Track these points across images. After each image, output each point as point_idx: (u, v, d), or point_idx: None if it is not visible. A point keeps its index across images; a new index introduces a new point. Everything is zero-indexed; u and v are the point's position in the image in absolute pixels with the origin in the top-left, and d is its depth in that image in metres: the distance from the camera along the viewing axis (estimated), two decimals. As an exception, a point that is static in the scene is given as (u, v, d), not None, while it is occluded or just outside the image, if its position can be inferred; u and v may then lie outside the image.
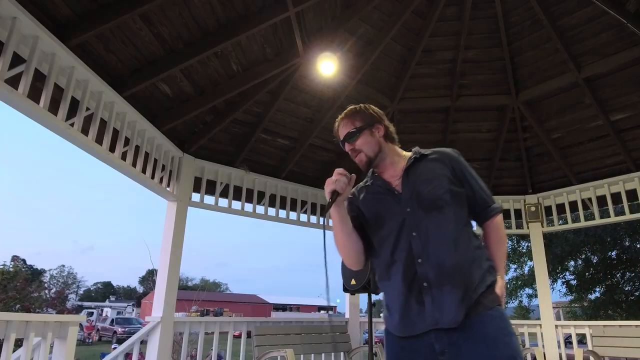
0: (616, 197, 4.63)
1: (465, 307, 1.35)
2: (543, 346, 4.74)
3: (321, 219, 5.30)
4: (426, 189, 1.51)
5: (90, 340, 23.65)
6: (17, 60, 2.38)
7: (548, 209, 5.21)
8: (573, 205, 5.01)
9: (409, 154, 1.65)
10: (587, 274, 17.58)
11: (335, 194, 1.49)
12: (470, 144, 5.13)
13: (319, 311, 48.59)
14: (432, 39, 4.28)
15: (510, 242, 16.30)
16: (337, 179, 1.51)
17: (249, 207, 4.67)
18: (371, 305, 3.94)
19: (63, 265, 62.97)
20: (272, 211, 4.87)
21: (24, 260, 31.36)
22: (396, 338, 1.50)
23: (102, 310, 34.39)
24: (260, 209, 4.75)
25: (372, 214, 1.61)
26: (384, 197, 1.59)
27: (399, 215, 1.51)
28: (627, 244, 17.52)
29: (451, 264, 1.41)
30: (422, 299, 1.40)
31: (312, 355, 4.56)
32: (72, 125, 2.78)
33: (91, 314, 31.50)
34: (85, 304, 42.37)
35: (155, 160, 3.78)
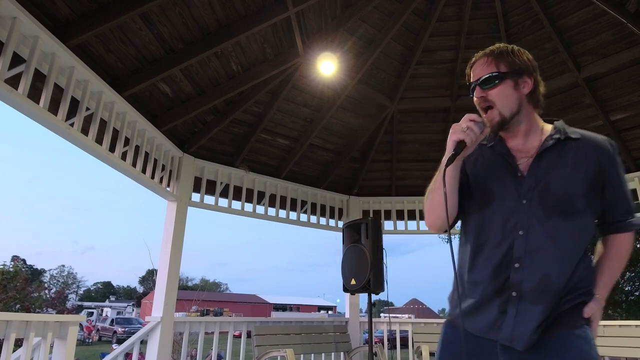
0: (616, 197, 4.63)
1: (543, 326, 1.15)
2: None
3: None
4: (558, 184, 1.19)
5: (90, 340, 23.65)
6: (17, 60, 2.38)
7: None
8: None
9: (548, 127, 1.30)
10: (587, 274, 17.58)
11: (461, 146, 1.18)
12: (470, 144, 5.12)
13: (319, 311, 48.63)
14: (432, 38, 4.27)
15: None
16: (468, 126, 1.19)
17: (249, 207, 4.68)
18: (371, 305, 3.94)
19: (63, 265, 63.16)
20: (272, 211, 4.87)
21: (24, 260, 31.35)
22: (457, 328, 1.27)
23: (102, 310, 34.43)
24: (260, 209, 4.75)
25: (479, 186, 1.30)
26: (502, 174, 1.27)
27: (511, 204, 1.22)
28: (627, 243, 17.50)
29: (559, 283, 1.16)
30: (505, 308, 1.18)
31: (312, 355, 4.56)
32: (72, 125, 2.77)
33: (91, 314, 31.52)
34: (85, 304, 42.38)
35: (155, 160, 3.78)
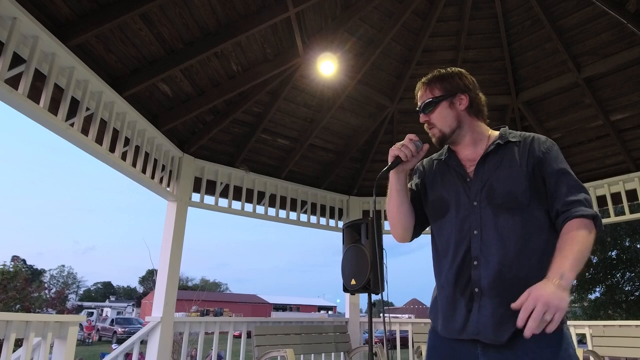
0: (616, 197, 4.63)
1: (511, 323, 1.16)
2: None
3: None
4: (501, 183, 1.29)
5: (90, 340, 23.66)
6: (17, 60, 2.38)
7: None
8: (573, 205, 4.99)
9: (495, 134, 1.42)
10: (587, 274, 17.60)
11: (397, 161, 1.37)
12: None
13: (319, 311, 48.62)
14: (432, 39, 4.27)
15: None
16: (405, 144, 1.37)
17: (249, 207, 4.67)
18: (371, 305, 3.94)
19: (63, 266, 63.21)
20: (272, 211, 4.87)
21: (24, 261, 31.38)
22: (438, 335, 1.37)
23: (102, 310, 34.42)
24: (260, 209, 4.75)
25: (435, 196, 1.43)
26: (453, 182, 1.39)
27: (463, 208, 1.33)
28: (627, 244, 17.54)
29: (513, 275, 1.21)
30: (470, 306, 1.25)
31: (312, 355, 4.56)
32: (72, 125, 2.77)
33: (91, 314, 31.51)
34: (85, 304, 42.37)
35: (155, 160, 3.78)
